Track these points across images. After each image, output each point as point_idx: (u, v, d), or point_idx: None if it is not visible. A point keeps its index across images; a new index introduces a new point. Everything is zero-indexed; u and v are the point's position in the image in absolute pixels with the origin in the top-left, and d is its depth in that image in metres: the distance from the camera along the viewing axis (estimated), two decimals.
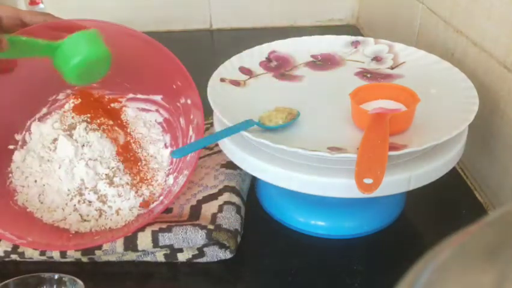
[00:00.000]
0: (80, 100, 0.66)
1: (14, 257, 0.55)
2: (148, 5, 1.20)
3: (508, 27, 0.57)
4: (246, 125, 0.52)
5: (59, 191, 0.60)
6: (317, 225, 0.58)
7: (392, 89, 0.58)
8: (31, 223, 0.58)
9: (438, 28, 0.76)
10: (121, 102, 0.68)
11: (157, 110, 0.68)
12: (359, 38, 0.71)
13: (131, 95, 0.68)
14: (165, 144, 0.67)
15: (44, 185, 0.61)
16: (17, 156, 0.63)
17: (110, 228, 0.58)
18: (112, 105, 0.68)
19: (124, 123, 0.67)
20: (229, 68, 0.64)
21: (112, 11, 1.20)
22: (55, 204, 0.60)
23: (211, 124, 0.63)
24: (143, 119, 0.68)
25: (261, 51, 0.68)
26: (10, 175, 0.62)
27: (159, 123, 0.68)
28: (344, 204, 0.57)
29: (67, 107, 0.66)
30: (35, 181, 0.61)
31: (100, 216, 0.59)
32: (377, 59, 0.68)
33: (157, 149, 0.66)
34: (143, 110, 0.68)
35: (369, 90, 0.57)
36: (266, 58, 0.68)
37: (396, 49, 0.68)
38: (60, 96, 0.66)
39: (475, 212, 0.62)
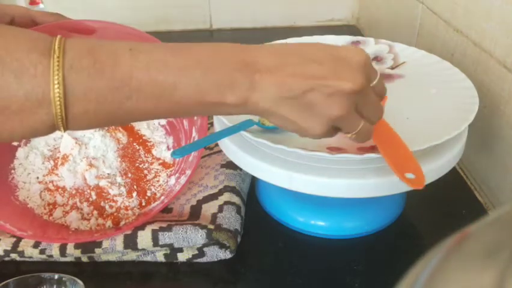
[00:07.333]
0: None
1: (13, 256, 0.54)
2: (148, 5, 1.20)
3: (508, 27, 0.57)
4: (245, 125, 0.52)
5: (60, 189, 0.60)
6: (317, 225, 0.58)
7: None
8: (31, 219, 0.58)
9: (438, 28, 0.76)
10: None
11: None
12: (359, 38, 0.71)
13: None
14: (168, 146, 0.67)
15: (45, 182, 0.61)
16: (20, 153, 0.64)
17: (109, 227, 0.58)
18: None
19: (128, 125, 0.67)
20: None
21: (112, 11, 1.20)
22: (56, 201, 0.60)
23: (211, 124, 0.63)
24: (147, 121, 0.68)
25: None
26: (12, 171, 0.63)
27: (162, 125, 0.68)
28: (344, 204, 0.57)
29: None
30: (37, 178, 0.62)
31: (100, 215, 0.59)
32: (377, 59, 0.68)
33: (159, 151, 0.66)
34: None
35: None
36: None
37: (397, 49, 0.68)
38: None
39: (475, 212, 0.62)
